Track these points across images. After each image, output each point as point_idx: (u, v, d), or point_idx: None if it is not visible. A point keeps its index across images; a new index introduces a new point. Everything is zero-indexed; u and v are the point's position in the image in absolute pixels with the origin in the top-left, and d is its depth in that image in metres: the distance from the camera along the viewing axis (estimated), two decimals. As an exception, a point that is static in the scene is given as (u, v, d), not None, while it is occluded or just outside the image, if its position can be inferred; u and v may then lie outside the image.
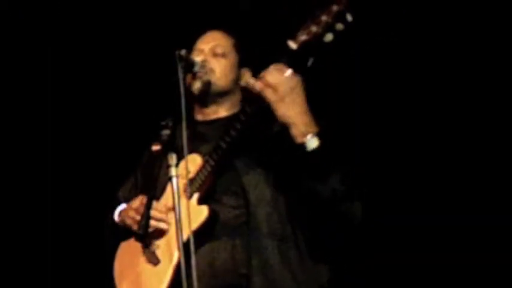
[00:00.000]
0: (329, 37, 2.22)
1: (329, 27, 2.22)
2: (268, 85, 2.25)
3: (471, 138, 3.35)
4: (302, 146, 2.26)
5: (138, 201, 2.56)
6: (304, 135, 2.26)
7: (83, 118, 3.92)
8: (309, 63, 2.27)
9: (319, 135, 2.27)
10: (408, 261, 3.40)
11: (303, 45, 2.24)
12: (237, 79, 2.67)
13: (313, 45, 2.23)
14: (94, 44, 3.86)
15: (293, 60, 2.26)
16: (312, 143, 2.26)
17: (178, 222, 2.20)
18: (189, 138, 2.46)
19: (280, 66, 2.27)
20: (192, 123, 2.61)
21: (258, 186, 2.43)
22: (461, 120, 3.38)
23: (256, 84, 2.28)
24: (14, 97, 3.94)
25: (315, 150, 2.26)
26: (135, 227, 2.55)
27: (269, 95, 2.25)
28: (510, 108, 3.32)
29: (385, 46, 3.40)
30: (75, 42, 3.87)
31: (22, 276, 3.93)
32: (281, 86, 2.24)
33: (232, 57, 2.67)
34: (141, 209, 2.51)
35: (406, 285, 3.42)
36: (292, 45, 2.25)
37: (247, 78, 2.63)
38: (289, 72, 2.25)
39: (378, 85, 3.47)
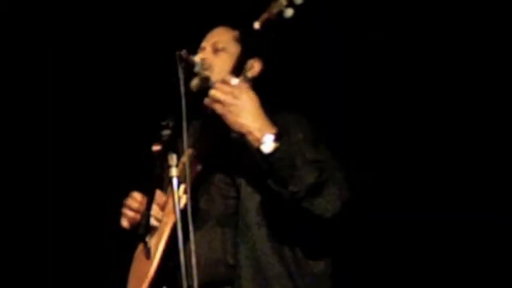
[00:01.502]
0: (289, 12, 2.25)
1: (288, 2, 2.25)
2: (214, 100, 2.30)
3: (467, 131, 3.35)
4: (259, 150, 2.28)
5: (132, 199, 2.60)
6: (259, 140, 2.27)
7: (84, 118, 3.92)
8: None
9: (277, 138, 2.27)
10: (403, 256, 3.41)
11: (265, 24, 2.28)
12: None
13: (275, 22, 2.27)
14: (94, 44, 3.86)
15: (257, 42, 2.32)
16: (267, 146, 2.26)
17: (178, 222, 2.21)
18: (197, 135, 2.49)
19: (226, 77, 2.33)
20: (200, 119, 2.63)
21: (249, 177, 2.42)
22: (456, 114, 3.38)
23: (206, 101, 2.35)
24: (14, 97, 3.94)
25: (271, 154, 2.26)
26: (125, 223, 2.60)
27: (217, 108, 2.30)
28: (504, 103, 3.32)
29: (374, 41, 3.42)
30: (75, 42, 3.88)
31: (22, 276, 3.94)
32: (226, 98, 2.28)
33: (233, 50, 2.65)
34: (135, 206, 2.57)
35: (402, 281, 3.43)
36: (256, 25, 2.30)
37: (256, 69, 2.66)
38: (234, 81, 2.31)
39: (370, 80, 3.48)
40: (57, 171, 3.95)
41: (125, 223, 2.64)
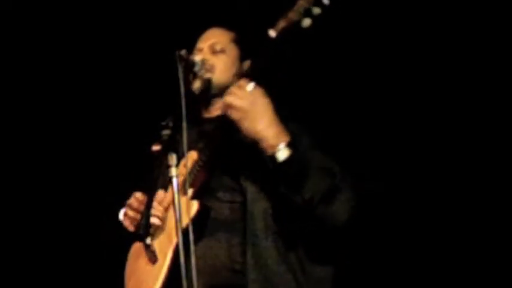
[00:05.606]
0: (307, 22, 2.26)
1: (306, 12, 2.25)
2: (229, 106, 2.29)
3: (470, 133, 3.35)
4: (273, 157, 2.27)
5: (134, 199, 2.59)
6: (274, 147, 2.27)
7: (84, 119, 3.92)
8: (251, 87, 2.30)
9: (290, 144, 2.27)
10: (405, 259, 3.41)
11: (282, 33, 2.27)
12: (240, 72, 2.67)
13: (292, 31, 2.26)
14: (94, 44, 3.86)
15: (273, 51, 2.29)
16: (282, 153, 2.26)
17: (178, 222, 2.20)
18: (196, 137, 2.49)
19: (241, 82, 2.30)
20: (199, 122, 2.62)
21: (255, 183, 2.42)
22: (458, 117, 3.38)
23: (220, 107, 2.36)
24: (13, 97, 3.94)
25: (285, 161, 2.26)
26: (131, 228, 2.58)
27: (232, 114, 2.29)
28: (497, 103, 3.33)
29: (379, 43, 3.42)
30: (75, 42, 3.87)
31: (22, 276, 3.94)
32: (241, 103, 2.27)
33: (232, 51, 2.67)
34: (136, 205, 2.57)
35: (404, 284, 3.43)
36: (272, 33, 2.28)
37: (245, 66, 2.65)
38: (250, 86, 2.29)
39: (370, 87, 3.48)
40: (57, 172, 3.95)
41: (126, 223, 2.64)
